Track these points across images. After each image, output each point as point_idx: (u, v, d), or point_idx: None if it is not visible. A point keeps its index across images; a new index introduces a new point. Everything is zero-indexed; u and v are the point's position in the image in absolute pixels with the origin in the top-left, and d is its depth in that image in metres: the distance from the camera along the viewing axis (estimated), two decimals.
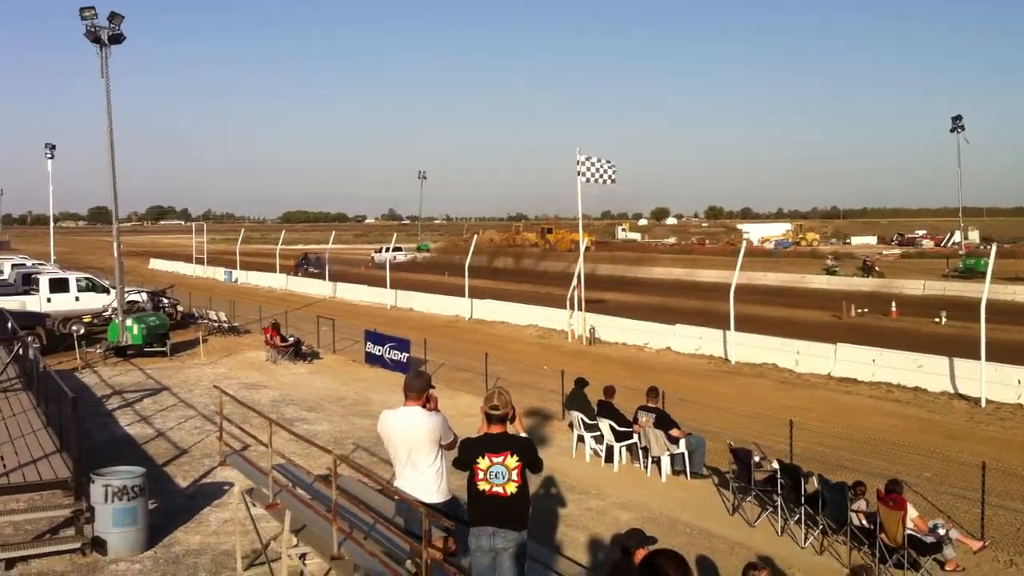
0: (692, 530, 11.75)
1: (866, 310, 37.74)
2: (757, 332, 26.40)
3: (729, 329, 25.88)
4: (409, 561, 7.22)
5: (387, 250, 57.44)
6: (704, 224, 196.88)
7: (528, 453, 6.63)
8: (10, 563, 10.08)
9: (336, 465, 8.00)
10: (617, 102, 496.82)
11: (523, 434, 7.24)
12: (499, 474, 6.48)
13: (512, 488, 6.47)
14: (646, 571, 3.71)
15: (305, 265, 63.63)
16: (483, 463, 6.51)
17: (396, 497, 7.42)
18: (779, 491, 11.61)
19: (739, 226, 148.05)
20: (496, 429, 6.64)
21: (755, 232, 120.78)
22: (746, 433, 14.75)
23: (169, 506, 12.32)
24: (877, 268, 62.02)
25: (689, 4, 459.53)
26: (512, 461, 6.48)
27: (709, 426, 15.89)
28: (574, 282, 30.58)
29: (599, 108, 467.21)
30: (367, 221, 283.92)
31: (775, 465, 11.95)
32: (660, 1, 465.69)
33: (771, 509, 11.85)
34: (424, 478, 7.08)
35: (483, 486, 6.51)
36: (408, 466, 7.16)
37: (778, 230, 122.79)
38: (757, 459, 12.28)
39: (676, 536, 11.24)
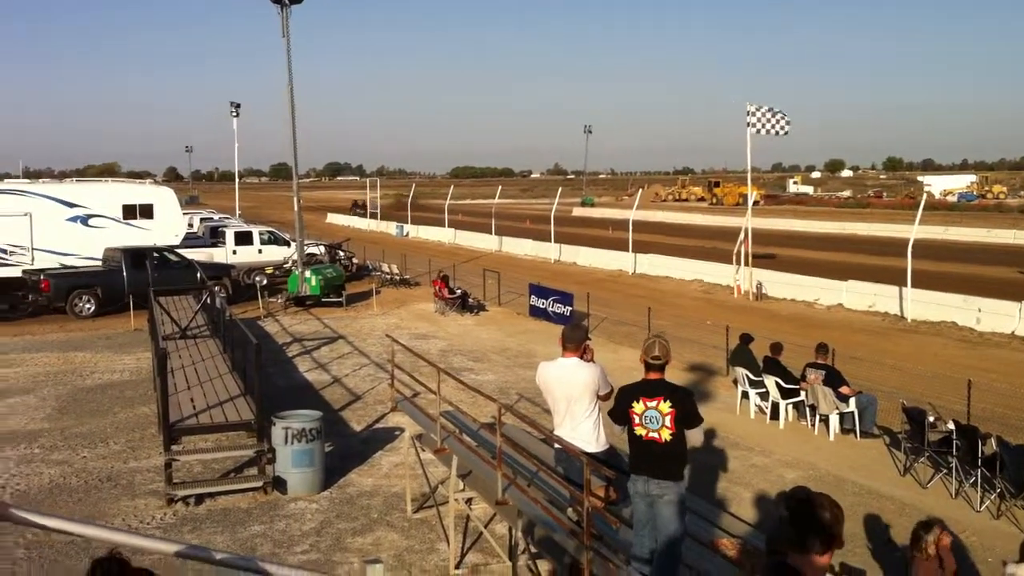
0: (860, 490, 11.45)
1: None
2: (937, 289, 25.22)
3: (906, 286, 24.79)
4: (570, 508, 7.38)
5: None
6: (882, 176, 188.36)
7: (683, 402, 6.52)
8: (199, 499, 10.83)
9: (501, 413, 8.20)
10: (789, 48, 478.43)
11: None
12: (653, 419, 6.46)
13: (666, 435, 6.42)
14: (798, 509, 3.65)
15: (356, 209, 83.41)
16: (638, 407, 6.52)
17: (556, 445, 7.56)
18: (954, 453, 11.16)
19: (919, 178, 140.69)
20: (654, 376, 6.63)
21: (937, 184, 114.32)
22: (921, 393, 14.18)
23: (344, 449, 12.92)
24: None
25: None
26: (665, 407, 6.43)
27: (881, 385, 15.36)
28: (741, 236, 29.91)
29: (771, 57, 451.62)
30: (533, 176, 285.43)
31: (950, 426, 11.47)
32: None
33: (945, 471, 11.42)
34: (583, 428, 7.19)
35: (639, 431, 6.53)
36: (567, 416, 7.28)
37: (962, 182, 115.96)
38: (931, 419, 11.79)
39: (844, 496, 10.96)
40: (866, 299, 26.41)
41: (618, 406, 6.73)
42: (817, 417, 14.04)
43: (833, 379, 13.99)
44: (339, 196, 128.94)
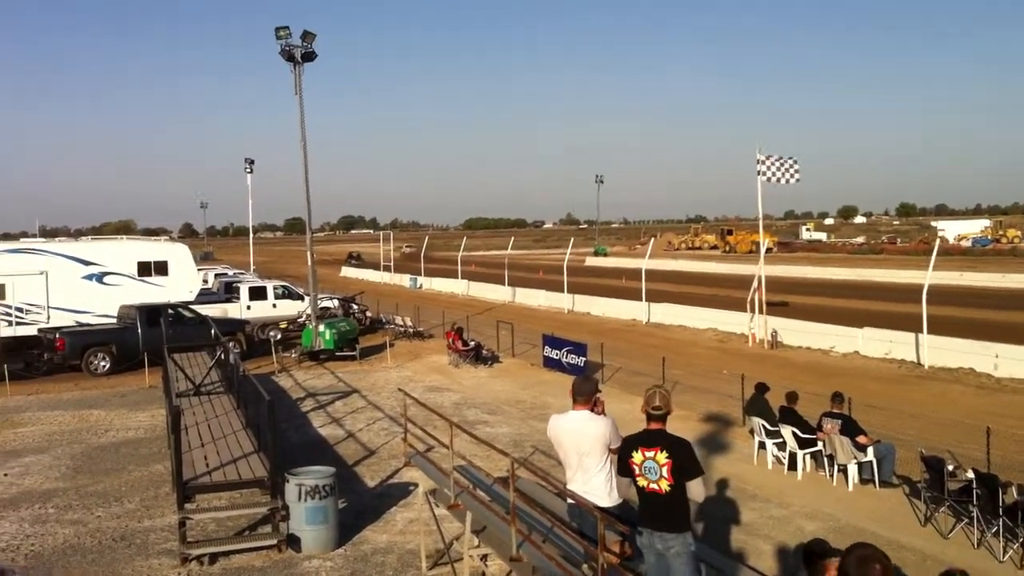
0: (881, 541, 11.23)
1: None
2: (953, 335, 25.06)
3: (922, 332, 24.66)
4: (585, 565, 7.30)
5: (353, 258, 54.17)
6: (895, 222, 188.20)
7: (681, 453, 6.43)
8: (213, 558, 10.75)
9: (514, 467, 8.15)
10: (800, 96, 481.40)
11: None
12: (651, 469, 6.42)
13: (665, 486, 6.37)
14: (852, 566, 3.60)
15: (352, 260, 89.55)
16: (637, 457, 6.50)
17: (570, 500, 7.50)
18: (975, 501, 11.01)
19: (933, 223, 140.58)
20: (655, 426, 6.59)
21: (951, 229, 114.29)
22: (939, 441, 14.07)
23: (358, 505, 12.84)
24: None
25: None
26: (662, 457, 6.38)
27: (899, 433, 15.22)
28: (754, 284, 29.87)
29: (781, 105, 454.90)
30: (546, 226, 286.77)
31: (970, 474, 11.34)
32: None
33: (966, 520, 11.26)
34: (595, 482, 7.14)
35: (641, 482, 6.50)
36: (579, 470, 7.24)
37: (976, 227, 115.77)
38: (951, 468, 11.66)
39: None
40: (882, 346, 26.26)
41: (620, 457, 6.72)
42: (835, 467, 13.90)
43: (850, 428, 13.87)
44: (352, 249, 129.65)
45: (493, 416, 19.12)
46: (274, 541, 11.00)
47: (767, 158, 29.55)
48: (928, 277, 25.32)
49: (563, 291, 44.19)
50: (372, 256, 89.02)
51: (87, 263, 29.27)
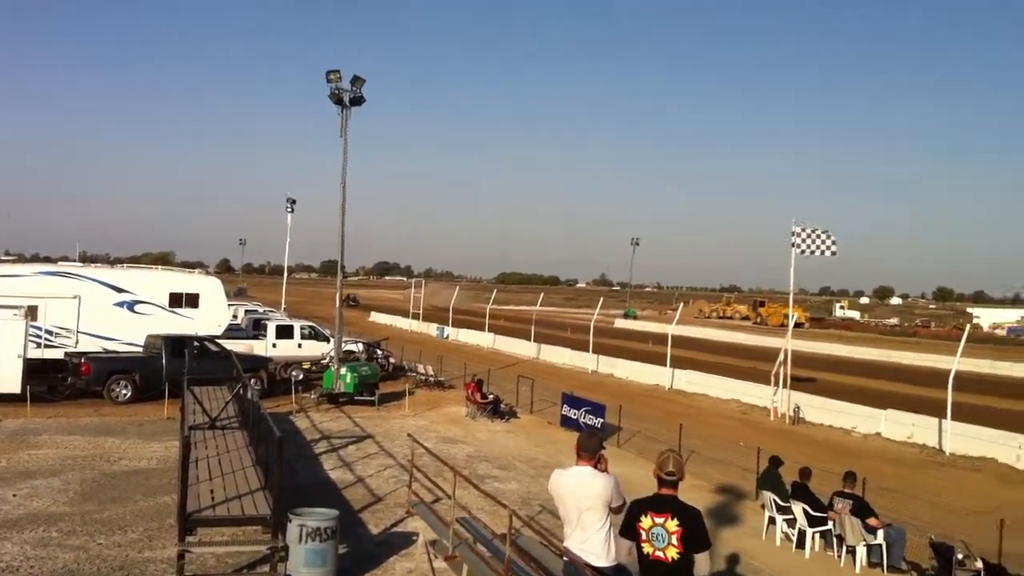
0: None
1: None
2: (978, 423, 24.71)
3: (945, 418, 24.34)
4: None
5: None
6: (931, 306, 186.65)
7: (692, 522, 6.38)
8: None
9: (511, 521, 8.12)
10: (841, 172, 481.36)
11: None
12: (659, 536, 6.36)
13: (673, 554, 6.30)
14: None
15: (349, 302, 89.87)
16: (645, 522, 6.44)
17: (564, 558, 7.44)
18: None
19: (969, 309, 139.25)
20: (667, 492, 6.54)
21: (986, 317, 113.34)
22: (953, 529, 13.84)
23: (359, 551, 12.78)
24: None
25: (911, 67, 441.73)
26: (672, 524, 6.33)
27: (913, 518, 15.02)
28: (780, 357, 29.67)
29: (823, 179, 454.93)
30: (578, 285, 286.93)
31: (979, 564, 11.15)
32: (874, 69, 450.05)
33: None
34: (593, 540, 7.06)
35: (647, 548, 6.43)
36: (578, 527, 7.17)
37: (1012, 316, 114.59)
38: (960, 556, 11.47)
39: None
40: (905, 429, 25.95)
41: (626, 520, 6.65)
42: (844, 548, 13.69)
43: (861, 509, 13.68)
44: (385, 295, 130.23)
45: (503, 471, 19.03)
46: None
47: (802, 230, 29.53)
48: (956, 363, 25.08)
49: (588, 351, 44.12)
50: (397, 303, 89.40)
51: (120, 290, 29.68)
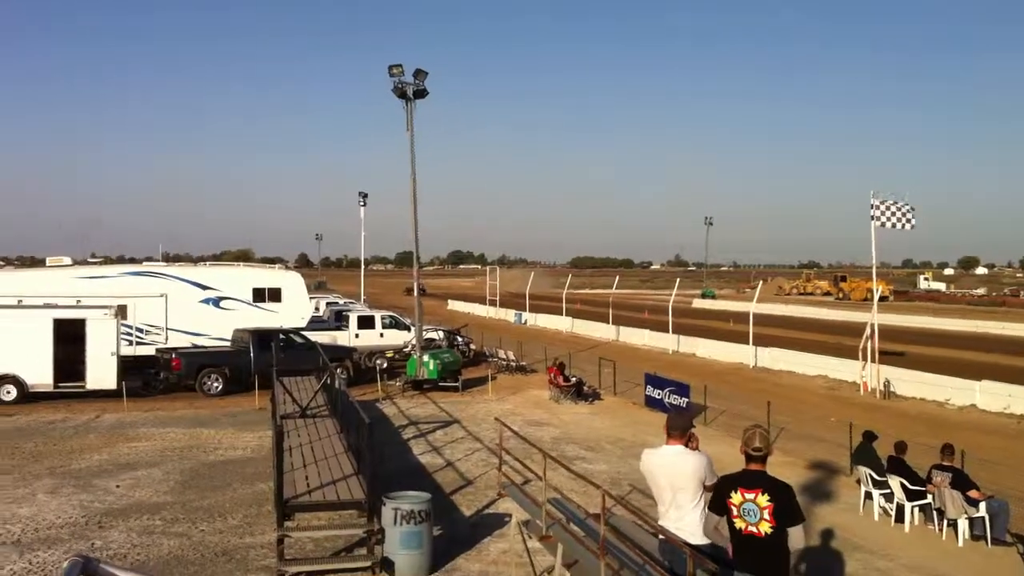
0: None
1: None
2: None
3: None
4: None
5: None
6: (1019, 275, 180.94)
7: (782, 496, 6.34)
8: None
9: (604, 501, 8.10)
10: (921, 140, 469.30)
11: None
12: (751, 511, 6.31)
13: (766, 528, 6.26)
14: None
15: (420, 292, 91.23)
16: (736, 497, 6.39)
17: (661, 536, 7.40)
18: None
19: None
20: (755, 467, 6.48)
21: None
22: None
23: (453, 533, 12.90)
24: None
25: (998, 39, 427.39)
26: (763, 500, 6.28)
27: (1016, 491, 14.58)
28: (867, 332, 29.05)
29: (902, 150, 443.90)
30: (653, 267, 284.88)
31: None
32: (960, 44, 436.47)
33: None
34: (689, 519, 7.02)
35: (739, 524, 6.39)
36: (672, 506, 7.14)
37: None
38: None
39: None
40: (1001, 400, 25.19)
41: (716, 496, 6.60)
42: (945, 521, 13.36)
43: (961, 482, 13.32)
44: (460, 283, 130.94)
45: (591, 453, 19.01)
46: (368, 563, 11.12)
47: (882, 202, 28.85)
48: None
49: (668, 331, 43.75)
50: (471, 290, 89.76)
51: (205, 287, 30.40)
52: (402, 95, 28.02)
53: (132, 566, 11.15)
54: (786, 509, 6.31)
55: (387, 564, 11.05)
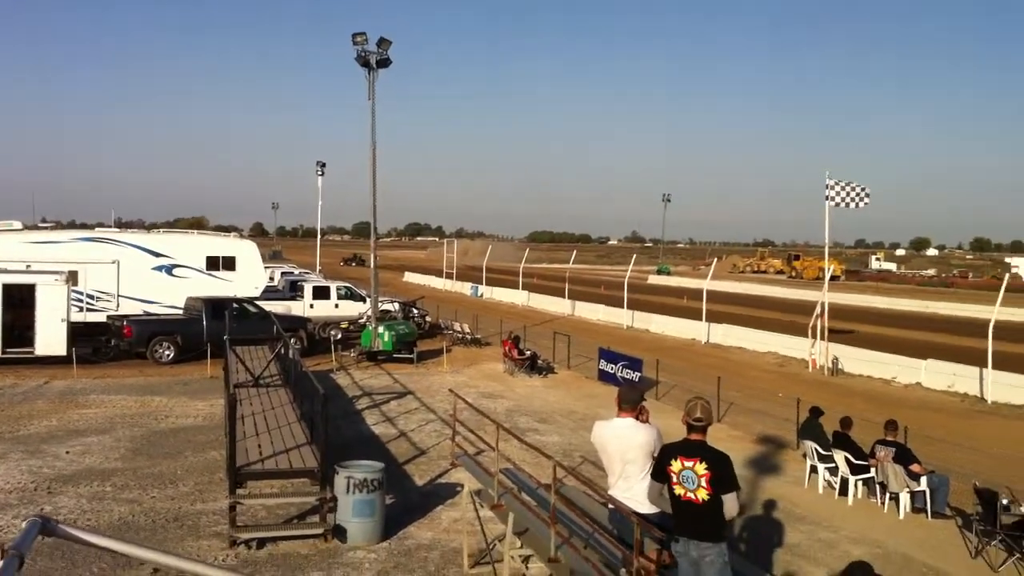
0: (928, 570, 11.13)
1: None
2: (1020, 372, 24.50)
3: (987, 367, 24.16)
4: (623, 570, 7.33)
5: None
6: (968, 256, 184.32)
7: (719, 465, 6.58)
8: (261, 543, 10.99)
9: (556, 471, 8.23)
10: (874, 124, 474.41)
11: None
12: (689, 479, 6.55)
13: (703, 495, 6.49)
14: None
15: (352, 262, 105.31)
16: (676, 465, 6.62)
17: (610, 505, 7.56)
18: None
19: (1007, 259, 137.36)
20: (695, 437, 6.68)
21: None
22: (997, 476, 13.78)
23: (405, 501, 13.00)
24: None
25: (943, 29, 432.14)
26: (701, 468, 6.52)
27: (955, 466, 14.98)
28: (817, 310, 29.52)
29: (855, 132, 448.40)
30: (610, 243, 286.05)
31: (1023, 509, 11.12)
32: (914, 30, 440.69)
33: (1018, 555, 11.04)
34: (637, 489, 7.21)
35: (678, 490, 6.63)
36: (621, 477, 7.31)
37: None
38: (1005, 501, 11.44)
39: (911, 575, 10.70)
40: (945, 379, 25.78)
41: (658, 464, 6.84)
42: (887, 495, 13.71)
43: (903, 456, 13.67)
44: (417, 256, 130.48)
45: (544, 424, 19.19)
46: (321, 530, 11.18)
47: (836, 183, 29.24)
48: (995, 312, 24.84)
49: (623, 307, 44.08)
50: (428, 262, 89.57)
51: (158, 255, 30.03)
52: (365, 64, 27.83)
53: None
54: (723, 478, 6.55)
55: (339, 531, 11.12)
